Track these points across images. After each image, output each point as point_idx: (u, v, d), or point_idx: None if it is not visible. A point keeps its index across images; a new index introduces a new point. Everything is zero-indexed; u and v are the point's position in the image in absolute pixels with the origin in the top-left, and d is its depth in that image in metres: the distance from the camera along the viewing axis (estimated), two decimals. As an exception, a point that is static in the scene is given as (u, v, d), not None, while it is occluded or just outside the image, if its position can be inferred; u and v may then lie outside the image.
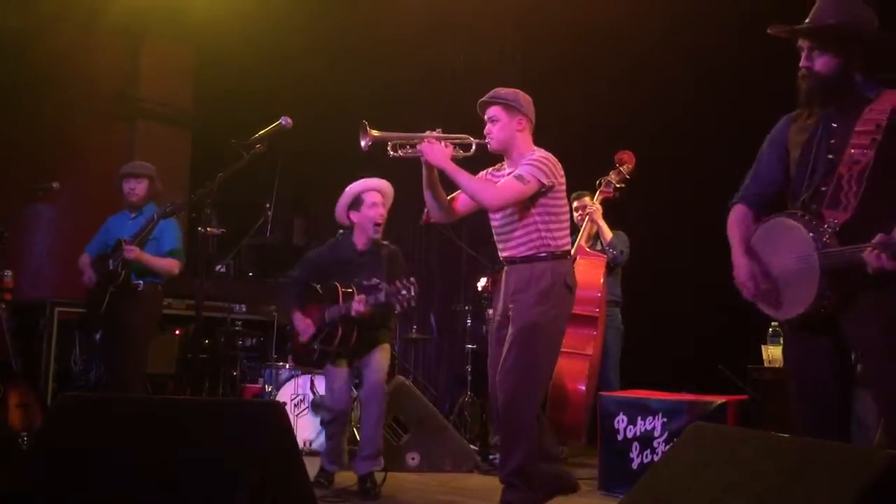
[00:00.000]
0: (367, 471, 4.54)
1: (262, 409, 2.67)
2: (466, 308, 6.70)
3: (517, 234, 3.66)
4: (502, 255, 3.76)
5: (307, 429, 5.87)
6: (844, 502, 1.68)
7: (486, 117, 3.77)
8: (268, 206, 6.73)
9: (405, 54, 7.76)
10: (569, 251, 3.82)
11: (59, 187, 5.36)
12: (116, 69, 7.98)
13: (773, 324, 4.77)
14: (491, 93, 3.78)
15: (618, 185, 5.49)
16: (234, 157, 3.91)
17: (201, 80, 8.59)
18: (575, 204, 5.62)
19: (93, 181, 6.63)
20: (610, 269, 5.53)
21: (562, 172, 3.70)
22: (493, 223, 3.79)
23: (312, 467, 3.86)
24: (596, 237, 5.67)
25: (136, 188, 5.09)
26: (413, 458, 5.28)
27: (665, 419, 4.39)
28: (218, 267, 6.61)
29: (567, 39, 6.78)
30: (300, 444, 5.51)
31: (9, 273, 5.81)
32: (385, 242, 4.82)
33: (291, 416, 5.72)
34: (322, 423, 5.34)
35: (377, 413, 4.57)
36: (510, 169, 3.72)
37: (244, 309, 7.27)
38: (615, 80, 6.74)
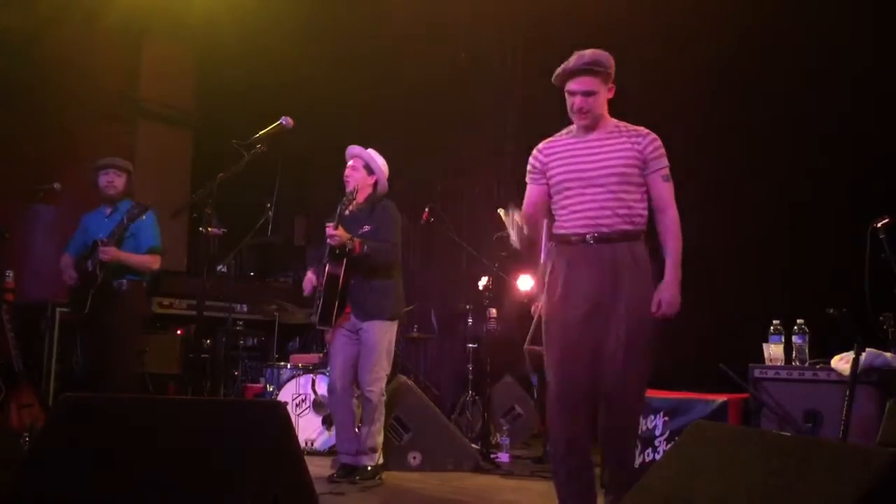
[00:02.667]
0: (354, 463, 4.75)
1: (264, 409, 2.68)
2: (468, 307, 6.70)
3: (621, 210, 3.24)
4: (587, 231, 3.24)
5: (309, 428, 5.87)
6: (846, 501, 1.68)
7: (572, 88, 3.25)
8: (269, 206, 6.72)
9: (406, 53, 7.76)
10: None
11: (60, 188, 5.37)
12: (117, 69, 7.98)
13: (774, 322, 4.76)
14: (581, 60, 3.22)
15: None
16: (235, 157, 3.91)
17: (202, 80, 8.60)
18: None
19: (94, 181, 6.62)
20: None
21: None
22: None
23: (314, 467, 3.85)
24: None
25: (115, 181, 5.08)
26: (415, 458, 5.28)
27: (666, 418, 4.40)
28: (219, 267, 6.61)
29: (567, 38, 6.78)
30: (302, 444, 5.52)
31: (10, 274, 5.81)
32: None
33: (293, 416, 5.73)
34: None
35: (370, 415, 4.77)
36: (596, 135, 3.28)
37: (245, 309, 7.28)
38: (616, 79, 6.74)
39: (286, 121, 3.91)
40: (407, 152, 7.55)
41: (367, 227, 4.77)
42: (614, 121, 3.33)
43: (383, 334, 4.75)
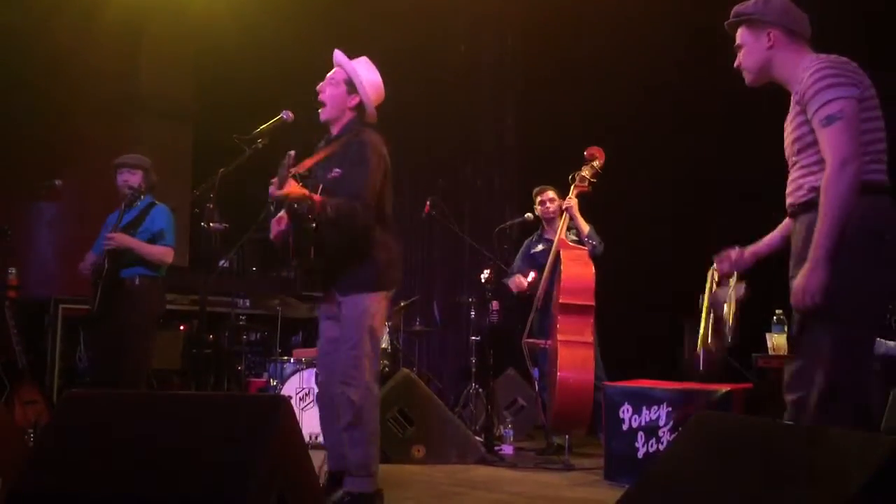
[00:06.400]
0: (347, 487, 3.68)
1: (268, 403, 2.68)
2: (470, 300, 6.71)
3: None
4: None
5: (313, 423, 5.87)
6: (851, 488, 1.69)
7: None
8: (270, 200, 6.70)
9: (406, 46, 7.74)
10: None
11: (62, 185, 5.36)
12: (117, 65, 7.97)
13: (777, 311, 4.76)
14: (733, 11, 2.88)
15: (591, 180, 5.60)
16: (236, 151, 3.90)
17: (202, 74, 8.59)
18: (539, 198, 5.87)
19: (95, 178, 6.61)
20: None
21: (860, 71, 2.63)
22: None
23: (318, 461, 3.86)
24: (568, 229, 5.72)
25: (130, 180, 5.02)
26: (418, 451, 5.28)
27: (670, 408, 4.39)
28: (221, 262, 6.61)
29: (567, 32, 6.78)
30: (306, 438, 5.53)
31: (13, 271, 5.81)
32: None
33: (297, 410, 5.73)
34: None
35: (354, 416, 3.61)
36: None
37: (248, 304, 7.28)
38: (615, 77, 6.75)
39: (287, 115, 3.89)
40: (408, 145, 7.55)
41: (336, 171, 3.67)
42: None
43: (363, 310, 3.66)
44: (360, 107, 3.81)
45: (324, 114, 3.82)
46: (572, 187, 5.61)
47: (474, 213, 7.89)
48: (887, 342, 4.34)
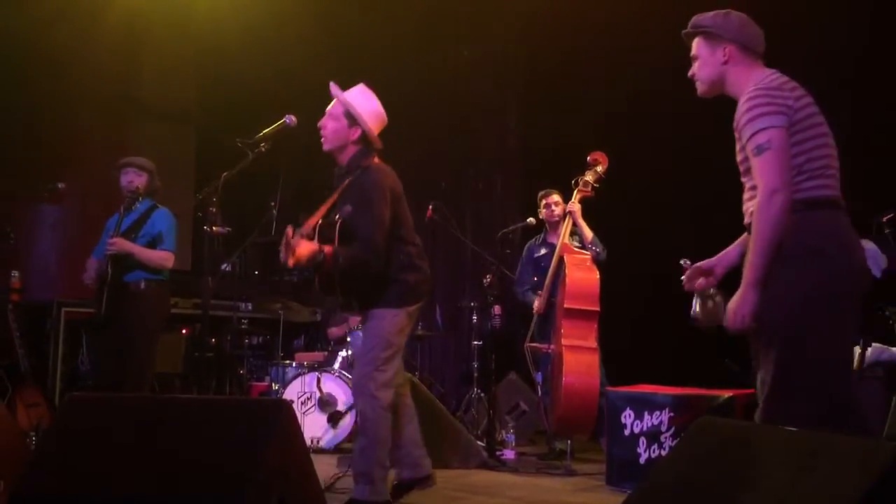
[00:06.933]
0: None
1: (270, 407, 2.68)
2: (472, 304, 6.71)
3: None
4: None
5: (314, 427, 5.88)
6: (854, 494, 1.68)
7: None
8: (273, 204, 6.73)
9: (408, 49, 7.76)
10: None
11: (64, 188, 5.36)
12: (119, 67, 7.98)
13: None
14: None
15: (595, 185, 5.60)
16: (239, 155, 3.90)
17: (204, 77, 8.60)
18: (544, 201, 5.88)
19: (98, 181, 6.64)
20: None
21: (793, 96, 2.65)
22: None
23: (320, 465, 3.85)
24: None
25: (136, 181, 5.03)
26: (420, 455, 5.27)
27: (672, 414, 4.38)
28: (224, 266, 6.62)
29: (568, 34, 6.78)
30: (307, 442, 5.52)
31: (16, 274, 5.81)
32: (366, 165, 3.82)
33: (298, 414, 5.73)
34: None
35: (360, 424, 3.73)
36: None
37: (250, 307, 7.29)
38: (617, 79, 6.75)
39: (290, 119, 3.90)
40: (410, 149, 7.55)
41: (348, 208, 3.72)
42: None
43: (383, 320, 3.74)
44: (363, 138, 3.80)
45: (326, 145, 3.83)
46: (575, 192, 5.61)
47: (476, 217, 7.89)
48: (890, 348, 4.33)
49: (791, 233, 2.55)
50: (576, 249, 5.52)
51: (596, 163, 5.63)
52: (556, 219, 5.80)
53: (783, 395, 2.53)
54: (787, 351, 2.54)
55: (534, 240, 6.07)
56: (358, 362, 3.82)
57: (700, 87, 2.91)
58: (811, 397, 2.50)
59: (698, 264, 2.95)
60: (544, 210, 5.88)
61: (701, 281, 2.91)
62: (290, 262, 3.52)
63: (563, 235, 5.56)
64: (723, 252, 2.99)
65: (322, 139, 3.82)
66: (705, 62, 2.86)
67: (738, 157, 2.75)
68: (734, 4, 2.92)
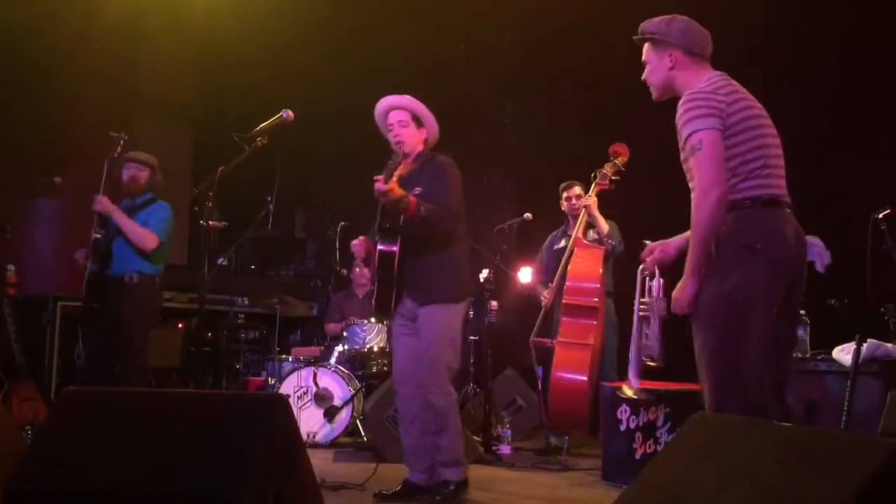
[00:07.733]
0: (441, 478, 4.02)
1: (266, 402, 2.67)
2: (469, 299, 6.68)
3: None
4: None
5: (311, 421, 5.88)
6: (848, 491, 1.69)
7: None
8: (269, 199, 6.72)
9: (406, 47, 7.74)
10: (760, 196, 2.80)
11: (60, 182, 5.35)
12: (117, 63, 7.97)
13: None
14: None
15: (613, 178, 5.54)
16: (236, 150, 3.90)
17: (202, 73, 8.59)
18: (565, 194, 5.82)
19: (94, 175, 6.61)
20: (605, 260, 5.58)
21: (728, 99, 2.77)
22: None
23: (316, 460, 3.85)
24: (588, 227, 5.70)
25: (137, 175, 5.03)
26: (416, 450, 5.27)
27: (668, 409, 4.39)
28: (220, 260, 6.62)
29: (567, 32, 6.78)
30: (304, 437, 5.52)
31: (11, 268, 5.81)
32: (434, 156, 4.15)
33: (295, 409, 5.73)
34: None
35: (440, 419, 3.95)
36: None
37: (246, 302, 7.29)
38: (615, 76, 6.74)
39: (287, 114, 3.90)
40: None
41: (417, 189, 3.92)
42: None
43: (443, 320, 3.97)
44: (427, 139, 4.15)
45: (404, 148, 4.08)
46: (593, 185, 5.55)
47: (473, 212, 7.87)
48: (886, 344, 4.34)
49: (727, 231, 2.71)
50: (587, 243, 5.49)
51: (616, 154, 5.55)
52: (577, 211, 5.71)
53: (706, 378, 2.80)
54: (709, 339, 2.76)
55: (556, 231, 6.03)
56: (427, 364, 3.93)
57: (654, 93, 3.05)
58: (728, 386, 2.75)
59: (655, 243, 3.13)
60: (566, 203, 5.80)
61: (656, 254, 3.08)
62: (386, 186, 3.69)
63: (577, 229, 5.52)
64: (678, 237, 3.09)
65: (397, 146, 4.07)
66: (654, 68, 3.00)
67: (682, 158, 2.85)
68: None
